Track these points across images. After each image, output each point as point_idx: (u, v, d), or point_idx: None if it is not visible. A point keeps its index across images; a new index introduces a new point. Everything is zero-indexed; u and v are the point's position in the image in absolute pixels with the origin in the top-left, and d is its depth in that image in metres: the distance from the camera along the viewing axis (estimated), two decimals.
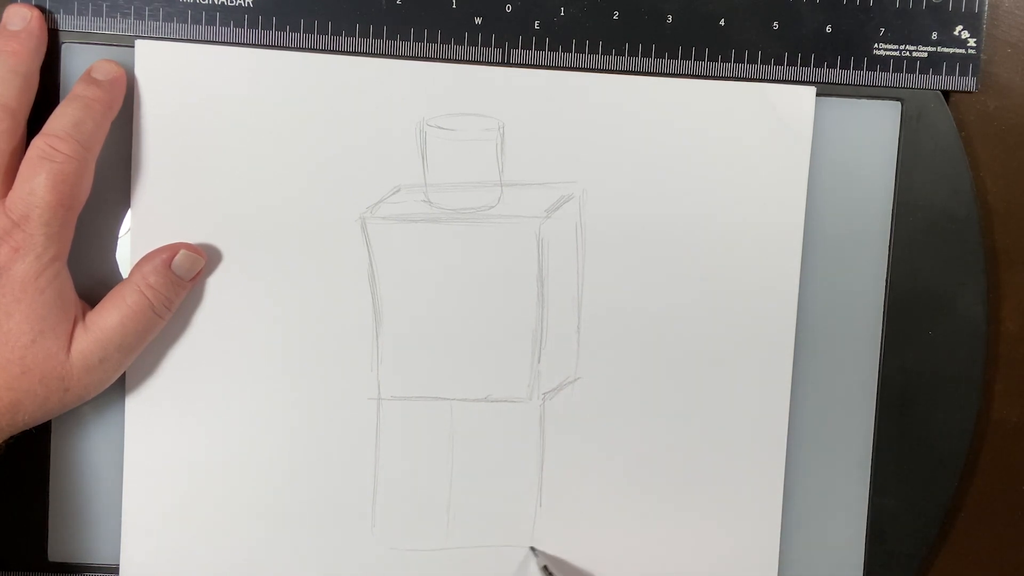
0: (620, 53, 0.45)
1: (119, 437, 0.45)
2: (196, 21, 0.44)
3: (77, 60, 0.44)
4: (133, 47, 0.44)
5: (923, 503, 0.47)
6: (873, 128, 0.46)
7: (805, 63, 0.45)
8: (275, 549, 0.46)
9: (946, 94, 0.46)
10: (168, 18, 0.44)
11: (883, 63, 0.45)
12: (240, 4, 0.44)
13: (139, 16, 0.44)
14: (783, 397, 0.46)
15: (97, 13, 0.44)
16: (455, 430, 0.46)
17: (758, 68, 0.45)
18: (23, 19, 0.42)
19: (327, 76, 0.44)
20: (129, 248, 0.44)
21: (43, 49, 0.43)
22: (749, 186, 0.46)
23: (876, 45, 0.45)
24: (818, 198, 0.46)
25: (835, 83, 0.46)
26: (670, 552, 0.47)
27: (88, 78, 0.42)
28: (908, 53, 0.46)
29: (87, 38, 0.44)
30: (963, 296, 0.46)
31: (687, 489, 0.46)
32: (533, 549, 0.46)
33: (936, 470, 0.47)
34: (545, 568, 0.45)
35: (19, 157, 0.41)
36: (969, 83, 0.46)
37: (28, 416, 0.41)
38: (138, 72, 0.44)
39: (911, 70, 0.46)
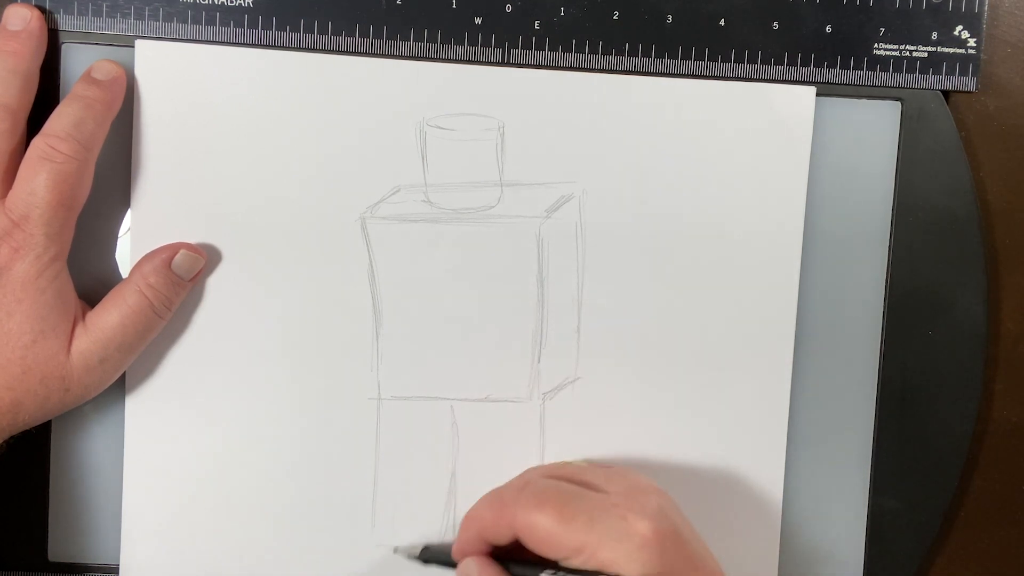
0: (620, 53, 0.45)
1: (119, 437, 0.45)
2: (196, 21, 0.44)
3: (77, 60, 0.44)
4: (133, 47, 0.44)
5: (923, 503, 0.47)
6: (873, 128, 0.46)
7: (805, 63, 0.45)
8: (275, 549, 0.46)
9: (946, 94, 0.46)
10: (168, 18, 0.44)
11: (883, 63, 0.45)
12: (240, 4, 0.44)
13: (139, 16, 0.44)
14: (783, 397, 0.46)
15: (97, 13, 0.44)
16: (455, 430, 0.46)
17: (758, 68, 0.45)
18: (23, 19, 0.42)
19: (327, 76, 0.44)
20: (129, 248, 0.44)
21: (43, 49, 0.43)
22: (749, 186, 0.46)
23: (876, 45, 0.45)
24: (818, 198, 0.46)
25: (835, 83, 0.46)
26: None
27: (88, 78, 0.42)
28: (908, 53, 0.46)
29: (87, 38, 0.44)
30: (963, 296, 0.46)
31: (687, 489, 0.46)
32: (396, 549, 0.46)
33: (936, 470, 0.47)
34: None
35: (19, 157, 0.41)
36: (969, 83, 0.46)
37: (28, 416, 0.41)
38: (138, 72, 0.44)
39: (911, 70, 0.46)
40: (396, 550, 0.46)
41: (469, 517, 0.40)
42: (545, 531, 0.37)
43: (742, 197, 0.46)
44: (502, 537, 0.39)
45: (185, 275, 0.43)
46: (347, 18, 0.44)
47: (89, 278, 0.44)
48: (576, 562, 0.37)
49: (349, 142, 0.45)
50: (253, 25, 0.44)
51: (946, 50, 0.46)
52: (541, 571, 0.39)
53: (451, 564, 0.42)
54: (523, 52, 0.45)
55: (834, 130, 0.46)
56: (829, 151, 0.46)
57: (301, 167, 0.45)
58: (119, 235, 0.45)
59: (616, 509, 0.37)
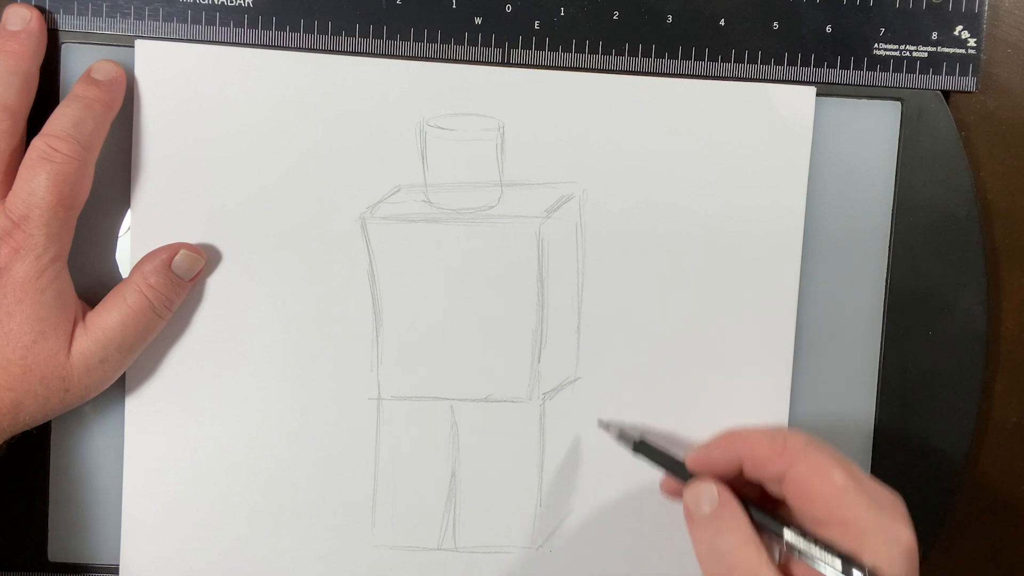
0: (620, 53, 0.45)
1: (119, 437, 0.45)
2: (196, 21, 0.44)
3: (77, 60, 0.44)
4: (133, 47, 0.44)
5: (923, 503, 0.47)
6: (873, 128, 0.46)
7: (805, 63, 0.45)
8: (275, 549, 0.46)
9: (946, 94, 0.46)
10: (168, 18, 0.44)
11: (883, 63, 0.45)
12: (240, 4, 0.44)
13: (139, 16, 0.44)
14: (783, 397, 0.46)
15: (97, 13, 0.44)
16: (455, 430, 0.46)
17: (758, 68, 0.45)
18: (23, 19, 0.42)
19: (326, 76, 0.44)
20: (129, 248, 0.44)
21: (43, 49, 0.43)
22: (749, 186, 0.46)
23: (876, 45, 0.45)
24: (818, 198, 0.46)
25: (835, 83, 0.46)
26: (672, 552, 0.47)
27: (88, 78, 0.42)
28: (908, 53, 0.46)
29: (87, 38, 0.44)
30: (963, 296, 0.46)
31: None
32: (602, 422, 0.46)
33: (936, 470, 0.47)
34: (620, 433, 0.44)
35: (19, 157, 0.41)
36: (969, 83, 0.46)
37: (29, 416, 0.41)
38: (138, 72, 0.44)
39: (911, 70, 0.46)
40: (604, 424, 0.45)
41: (736, 436, 0.40)
42: (830, 489, 0.37)
43: (742, 197, 0.46)
44: (759, 470, 0.39)
45: (185, 275, 0.43)
46: (347, 18, 0.44)
47: (89, 278, 0.44)
48: (833, 534, 0.37)
49: (349, 142, 0.45)
50: (253, 25, 0.44)
51: (946, 50, 0.46)
52: (784, 527, 0.38)
53: (666, 465, 0.42)
54: (523, 52, 0.45)
55: (834, 130, 0.46)
56: (829, 151, 0.46)
57: (301, 167, 0.45)
58: (119, 235, 0.45)
59: (888, 509, 0.37)
